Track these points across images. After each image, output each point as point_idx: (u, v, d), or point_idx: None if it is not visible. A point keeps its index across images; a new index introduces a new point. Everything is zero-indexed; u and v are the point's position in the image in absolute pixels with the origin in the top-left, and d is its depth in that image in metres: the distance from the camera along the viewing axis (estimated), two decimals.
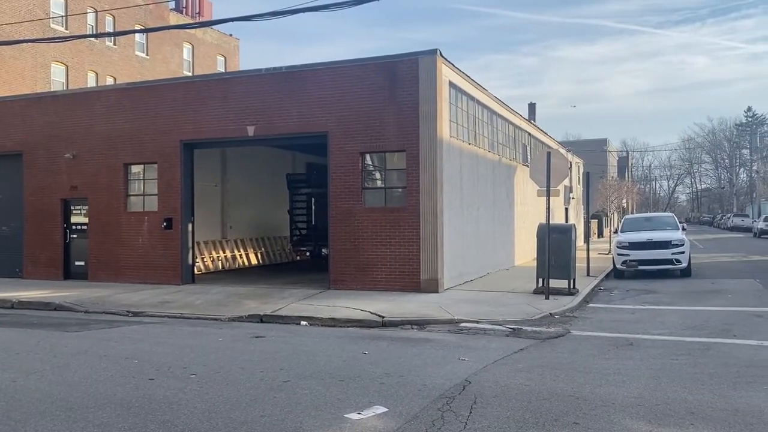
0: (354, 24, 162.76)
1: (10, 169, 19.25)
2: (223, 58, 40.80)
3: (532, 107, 48.64)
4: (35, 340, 9.39)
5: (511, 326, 10.91)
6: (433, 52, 14.75)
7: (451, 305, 12.82)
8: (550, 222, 14.47)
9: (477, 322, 11.25)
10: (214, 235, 21.99)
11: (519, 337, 10.06)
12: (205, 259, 20.97)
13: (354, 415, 5.63)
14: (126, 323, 11.46)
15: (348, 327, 11.23)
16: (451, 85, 15.81)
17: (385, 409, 5.80)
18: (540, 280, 14.48)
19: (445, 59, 15.17)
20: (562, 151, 20.57)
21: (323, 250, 21.35)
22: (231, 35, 41.87)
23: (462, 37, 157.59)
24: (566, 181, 33.63)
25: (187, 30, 37.14)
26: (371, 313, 12.01)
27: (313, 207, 21.80)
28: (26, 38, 16.37)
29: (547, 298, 13.64)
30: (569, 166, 14.38)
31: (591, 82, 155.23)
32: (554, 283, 14.22)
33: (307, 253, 22.82)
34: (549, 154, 14.15)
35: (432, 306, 12.71)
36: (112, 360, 7.98)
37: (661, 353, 8.54)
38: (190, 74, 36.10)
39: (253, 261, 23.78)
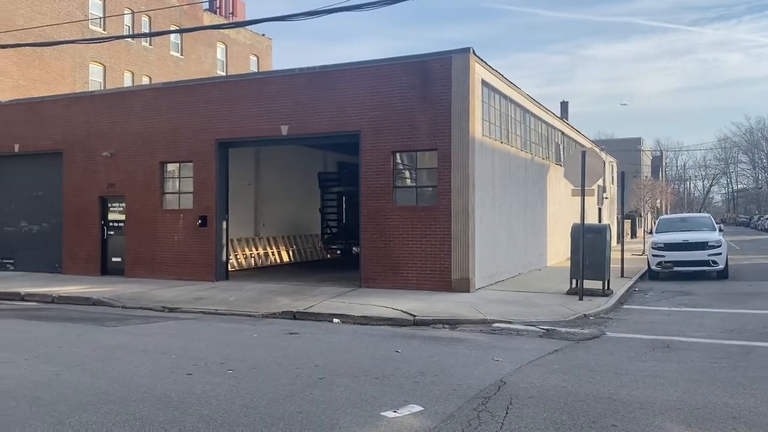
0: (382, 23, 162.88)
1: (50, 167, 19.74)
2: (255, 58, 41.21)
3: (564, 105, 48.08)
4: (76, 334, 9.62)
5: (545, 327, 10.83)
6: (466, 51, 14.69)
7: (483, 305, 12.77)
8: (585, 222, 14.27)
9: (510, 322, 11.19)
10: (247, 232, 22.25)
11: (553, 338, 9.96)
12: (238, 256, 21.22)
13: (390, 413, 5.66)
14: (162, 319, 11.67)
15: (380, 325, 11.27)
16: (484, 83, 15.73)
17: (421, 408, 5.81)
18: (574, 280, 14.32)
19: (478, 57, 15.10)
20: (597, 150, 20.28)
21: (354, 248, 21.46)
22: (263, 35, 42.27)
23: (491, 36, 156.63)
24: (600, 181, 33.24)
25: (221, 30, 37.61)
26: (403, 311, 12.03)
27: (344, 205, 21.91)
28: (66, 39, 16.72)
29: (581, 299, 13.49)
30: (604, 165, 14.18)
31: (622, 80, 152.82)
32: (588, 283, 14.05)
33: (338, 252, 22.94)
34: (584, 153, 13.99)
35: (464, 306, 12.67)
36: (150, 355, 8.13)
37: (700, 356, 8.38)
38: (223, 74, 36.56)
39: (285, 258, 23.99)
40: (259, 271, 20.91)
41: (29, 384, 6.64)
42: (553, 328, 10.71)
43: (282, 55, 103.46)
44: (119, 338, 9.37)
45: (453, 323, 11.26)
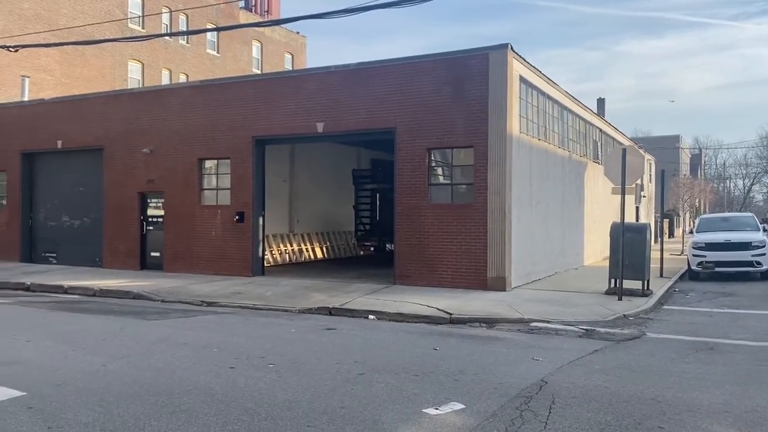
0: (415, 20, 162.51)
1: (91, 163, 20.18)
2: (290, 56, 41.52)
3: (600, 102, 47.34)
4: (119, 327, 9.83)
5: (584, 327, 10.69)
6: (503, 47, 14.57)
7: (520, 304, 12.67)
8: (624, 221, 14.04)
9: (548, 321, 11.07)
10: (282, 228, 22.46)
11: (592, 338, 9.84)
12: (273, 252, 21.43)
13: (431, 410, 5.65)
14: (201, 313, 11.85)
15: (415, 323, 11.26)
16: (522, 79, 15.58)
17: (463, 406, 5.80)
18: (612, 280, 14.11)
19: (516, 53, 14.95)
20: (637, 148, 19.90)
21: (387, 245, 21.48)
22: (298, 33, 42.56)
23: (523, 32, 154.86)
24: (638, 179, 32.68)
25: (256, 28, 37.98)
26: (438, 309, 12.00)
27: (378, 202, 21.94)
28: (107, 38, 17.16)
29: (620, 299, 13.29)
30: (644, 163, 13.94)
31: (659, 77, 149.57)
32: (627, 283, 13.82)
33: (371, 248, 22.98)
34: (624, 150, 13.75)
35: (500, 304, 12.59)
36: (192, 348, 8.27)
37: (745, 359, 8.19)
38: (258, 72, 36.90)
39: (319, 255, 24.15)
40: (294, 267, 21.09)
41: (77, 374, 6.81)
42: (592, 328, 10.57)
43: (316, 53, 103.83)
44: (161, 331, 9.55)
45: (490, 322, 11.20)
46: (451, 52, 15.25)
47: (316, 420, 5.37)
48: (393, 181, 16.07)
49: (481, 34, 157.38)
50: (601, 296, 13.90)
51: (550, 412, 5.65)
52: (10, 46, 14.86)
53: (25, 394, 6.05)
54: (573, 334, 10.18)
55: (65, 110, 20.93)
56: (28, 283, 16.09)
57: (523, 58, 15.54)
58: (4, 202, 22.10)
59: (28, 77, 25.93)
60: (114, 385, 6.38)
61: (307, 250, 23.67)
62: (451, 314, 11.55)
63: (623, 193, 13.72)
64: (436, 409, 5.70)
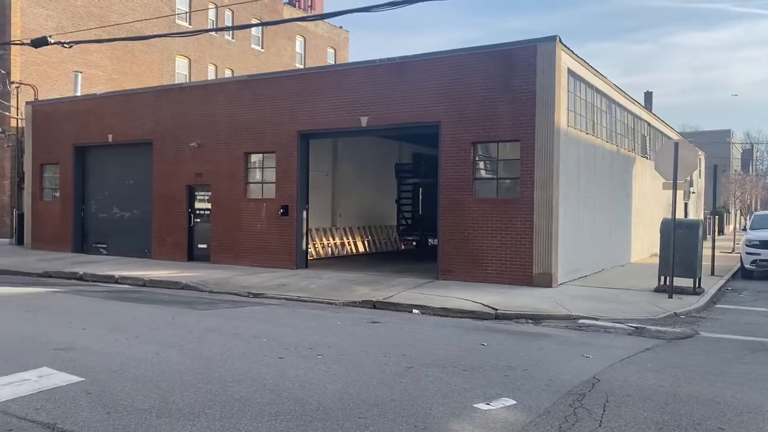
0: (457, 13, 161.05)
1: (141, 156, 20.66)
2: (333, 51, 41.70)
3: (648, 96, 46.20)
4: (170, 317, 10.04)
5: (634, 325, 10.46)
6: (552, 39, 14.32)
7: (567, 301, 12.47)
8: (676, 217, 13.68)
9: (596, 319, 10.87)
10: (325, 222, 22.60)
11: (643, 336, 9.62)
12: (316, 246, 21.59)
13: (482, 406, 5.60)
14: (248, 304, 12.01)
15: (460, 318, 11.19)
16: (570, 72, 15.29)
17: (514, 402, 5.73)
18: (662, 277, 13.76)
19: (564, 46, 14.68)
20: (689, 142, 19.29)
21: (430, 240, 21.43)
22: (341, 27, 42.69)
23: (568, 25, 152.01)
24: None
25: (300, 23, 38.24)
26: (483, 305, 11.90)
27: (421, 197, 21.88)
28: (156, 33, 17.58)
29: (670, 296, 12.96)
30: (697, 158, 13.52)
31: (708, 69, 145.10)
32: (678, 281, 13.48)
33: (414, 243, 22.94)
34: (677, 144, 13.37)
35: (547, 301, 12.41)
36: (241, 338, 8.38)
37: None
38: (301, 66, 37.17)
39: (361, 249, 24.23)
40: (336, 260, 21.21)
41: (132, 361, 6.98)
42: (643, 326, 10.33)
43: (358, 48, 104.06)
44: (211, 321, 9.71)
45: (536, 318, 11.05)
46: (498, 45, 15.07)
47: (367, 412, 5.38)
48: (436, 176, 16.00)
49: (524, 28, 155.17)
50: (651, 294, 13.59)
51: (604, 410, 5.53)
52: (65, 43, 15.25)
53: (83, 379, 6.22)
54: (622, 332, 9.97)
55: (116, 105, 21.45)
56: (81, 273, 16.58)
57: (572, 50, 15.25)
58: (58, 194, 22.81)
59: (80, 73, 26.68)
60: (168, 373, 6.51)
61: (349, 244, 23.78)
62: (496, 310, 11.45)
63: (675, 189, 13.35)
64: (487, 404, 5.65)
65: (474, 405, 5.62)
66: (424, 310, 11.80)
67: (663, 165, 13.54)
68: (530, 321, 10.94)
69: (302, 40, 39.28)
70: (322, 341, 8.28)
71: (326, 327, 9.47)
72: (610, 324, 10.51)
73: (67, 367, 6.67)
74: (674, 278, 13.29)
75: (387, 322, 10.21)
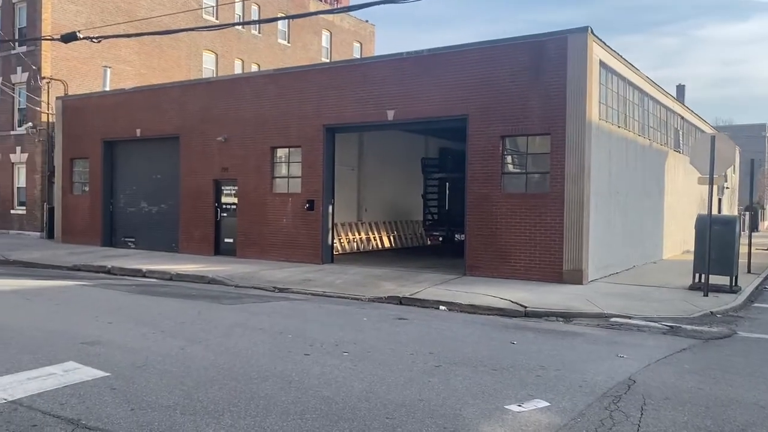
0: (483, 7, 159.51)
1: (168, 151, 20.76)
2: (359, 45, 41.54)
3: (680, 89, 45.21)
4: (196, 311, 10.00)
5: (668, 323, 10.15)
6: (583, 30, 13.97)
7: (598, 298, 12.17)
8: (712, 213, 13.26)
9: (629, 317, 10.57)
10: (350, 217, 22.50)
11: (678, 335, 9.32)
12: (341, 241, 21.50)
13: (514, 407, 5.41)
14: (274, 299, 11.94)
15: (488, 315, 10.99)
16: (602, 64, 14.91)
17: (547, 404, 5.52)
18: (697, 275, 13.37)
19: (596, 37, 14.32)
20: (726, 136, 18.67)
21: (456, 235, 21.18)
22: (367, 21, 42.50)
23: (595, 18, 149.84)
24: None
25: (326, 17, 38.13)
26: (512, 302, 11.67)
27: (447, 192, 21.63)
28: (183, 27, 17.57)
29: (705, 295, 12.57)
30: (734, 151, 13.09)
31: (740, 63, 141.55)
32: (713, 279, 13.08)
33: (440, 238, 22.70)
34: (713, 138, 12.95)
35: (577, 298, 12.13)
36: (267, 333, 8.29)
37: None
38: (327, 60, 37.08)
39: (386, 244, 24.09)
40: (362, 255, 21.09)
41: (158, 356, 6.92)
42: (678, 325, 10.01)
43: (383, 42, 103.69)
44: (236, 316, 9.65)
45: (567, 316, 10.79)
46: (528, 36, 14.75)
47: (395, 412, 5.22)
48: (463, 170, 15.76)
49: (551, 21, 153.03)
50: (685, 292, 13.21)
51: (642, 414, 5.30)
52: (93, 38, 15.34)
53: (108, 374, 6.18)
54: (656, 331, 9.68)
55: (144, 99, 21.59)
56: (109, 267, 16.71)
57: (603, 42, 14.87)
58: (87, 188, 23.06)
59: (109, 68, 26.93)
60: (193, 369, 6.44)
61: (375, 239, 23.65)
62: (526, 307, 11.21)
63: (711, 184, 12.94)
64: (519, 405, 5.45)
65: (505, 406, 5.43)
66: (451, 306, 11.61)
67: (699, 159, 13.13)
68: (561, 319, 10.69)
69: (328, 34, 39.18)
70: (348, 338, 8.15)
71: (352, 323, 9.34)
72: (643, 323, 10.22)
73: (93, 361, 6.64)
74: (710, 276, 12.90)
75: (414, 318, 10.04)
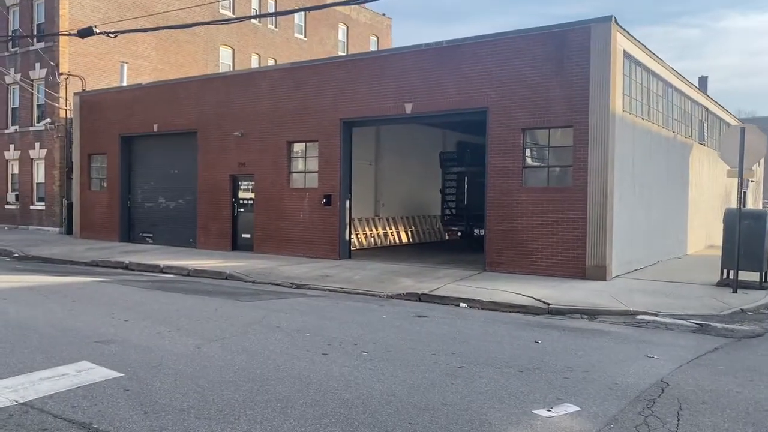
0: (494, 1, 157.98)
1: (185, 146, 20.67)
2: (375, 38, 41.23)
3: (702, 81, 44.33)
4: (213, 308, 9.84)
5: (697, 321, 9.81)
6: (607, 20, 13.58)
7: (623, 295, 11.84)
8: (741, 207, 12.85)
9: (656, 315, 10.25)
10: (367, 212, 22.28)
11: (708, 334, 9.00)
12: (358, 236, 21.30)
13: (543, 412, 5.15)
14: (292, 295, 11.76)
15: (510, 312, 10.72)
16: (626, 55, 14.51)
17: (577, 408, 5.26)
18: (725, 271, 12.97)
19: (620, 27, 13.92)
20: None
21: (475, 230, 20.85)
22: (383, 14, 42.17)
23: (613, 9, 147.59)
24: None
25: (343, 11, 37.87)
26: (534, 299, 11.39)
27: (466, 186, 21.29)
28: (200, 21, 17.50)
29: (734, 291, 12.18)
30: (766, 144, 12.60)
31: (763, 54, 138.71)
32: (742, 275, 12.67)
33: (458, 233, 22.38)
34: (743, 129, 12.52)
35: (601, 295, 11.81)
36: (284, 332, 8.10)
37: None
38: (344, 54, 36.83)
39: (404, 239, 23.85)
40: (379, 250, 20.88)
41: (173, 356, 6.76)
42: (707, 323, 9.67)
43: (399, 36, 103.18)
44: (254, 313, 9.47)
45: (591, 313, 10.49)
46: (549, 27, 14.39)
47: (418, 417, 5.00)
48: (482, 164, 15.46)
49: (568, 13, 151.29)
50: (712, 288, 12.82)
51: (679, 420, 5.02)
52: (109, 32, 15.24)
53: (122, 375, 6.02)
54: (685, 329, 9.36)
55: (161, 94, 21.51)
56: (127, 262, 16.66)
57: (627, 32, 14.47)
58: (105, 184, 23.08)
59: (126, 63, 26.94)
60: (208, 369, 6.26)
61: (392, 234, 23.42)
62: (548, 304, 10.92)
63: (741, 177, 12.53)
64: (548, 410, 5.20)
65: (534, 411, 5.17)
66: (472, 303, 11.35)
67: (728, 151, 12.71)
68: (585, 316, 10.40)
69: (345, 28, 38.92)
70: (367, 336, 7.93)
71: (371, 321, 9.12)
72: (671, 320, 9.89)
73: (107, 361, 6.49)
74: (739, 271, 12.50)
75: (434, 316, 9.80)
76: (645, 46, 15.75)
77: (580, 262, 13.77)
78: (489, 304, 11.21)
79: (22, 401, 5.26)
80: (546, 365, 6.66)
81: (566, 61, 13.91)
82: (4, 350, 6.88)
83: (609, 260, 13.66)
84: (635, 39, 15.01)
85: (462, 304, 11.31)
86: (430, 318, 9.61)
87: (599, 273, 13.54)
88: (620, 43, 14.03)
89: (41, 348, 7.02)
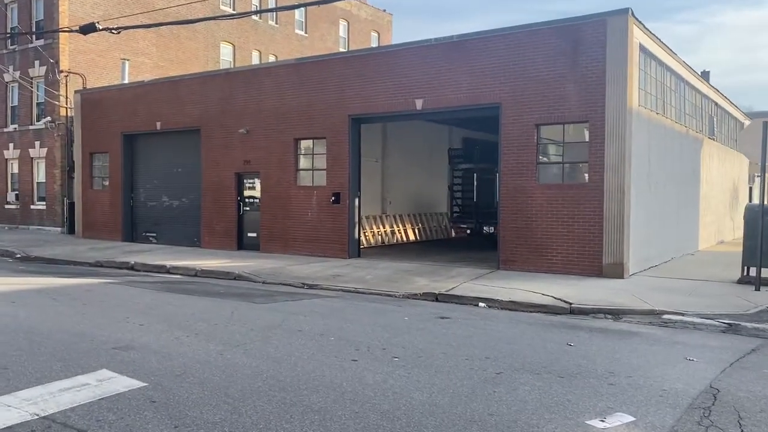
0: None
1: (189, 144, 20.34)
2: (376, 34, 40.88)
3: (705, 75, 44.03)
4: (229, 311, 9.54)
5: (725, 321, 9.55)
6: (623, 12, 13.31)
7: (644, 293, 11.59)
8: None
9: (682, 314, 9.99)
10: (375, 210, 21.99)
11: (739, 334, 8.77)
12: (366, 234, 21.00)
13: (597, 423, 4.88)
14: (306, 296, 11.47)
15: (531, 312, 10.47)
16: (641, 48, 14.25)
17: (632, 418, 4.98)
18: (746, 268, 12.73)
19: (637, 19, 13.65)
20: None
21: (485, 227, 20.61)
22: (384, 10, 41.82)
23: (607, 6, 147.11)
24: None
25: (344, 7, 37.52)
26: (555, 298, 11.13)
27: (476, 183, 21.01)
28: (201, 17, 17.18)
29: (757, 289, 11.94)
30: None
31: (757, 49, 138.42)
32: (764, 272, 12.43)
33: (468, 231, 22.11)
34: (765, 123, 12.27)
35: (622, 293, 11.56)
36: (308, 336, 7.81)
37: None
38: (351, 50, 36.47)
39: (411, 237, 23.57)
40: (388, 249, 20.60)
41: (196, 363, 6.46)
42: (736, 322, 9.40)
43: (400, 33, 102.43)
44: (271, 316, 9.18)
45: (615, 313, 10.24)
46: (563, 20, 14.12)
47: (466, 429, 4.72)
48: (492, 161, 15.22)
49: (570, 10, 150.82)
50: (734, 286, 12.59)
51: (741, 430, 4.75)
52: (112, 28, 14.91)
53: (146, 384, 5.72)
54: (714, 329, 9.12)
55: (163, 91, 21.16)
56: (132, 263, 16.34)
57: (643, 24, 14.20)
58: (107, 183, 22.74)
59: (127, 60, 26.56)
60: (236, 378, 5.97)
61: (399, 232, 23.14)
62: (570, 304, 10.66)
63: (764, 172, 12.26)
64: (602, 420, 4.92)
65: (586, 422, 4.90)
66: (491, 303, 11.09)
67: (749, 145, 12.47)
68: (609, 316, 10.14)
69: (345, 24, 38.56)
70: (393, 340, 7.65)
71: (394, 323, 8.84)
72: (698, 320, 9.64)
73: (128, 369, 6.19)
74: (761, 269, 12.25)
75: (456, 317, 9.53)
76: (659, 39, 15.48)
77: (596, 259, 13.52)
78: (508, 304, 10.95)
79: (43, 415, 4.96)
80: (585, 370, 6.39)
81: (581, 55, 13.64)
82: (20, 358, 6.58)
83: (627, 258, 13.41)
84: (650, 32, 14.74)
85: (481, 304, 11.05)
86: (453, 319, 9.33)
87: (616, 271, 13.29)
88: (636, 36, 13.77)
89: (57, 355, 6.72)
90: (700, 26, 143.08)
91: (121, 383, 5.75)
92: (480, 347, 7.35)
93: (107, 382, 5.77)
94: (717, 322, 9.52)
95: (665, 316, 9.94)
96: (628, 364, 6.67)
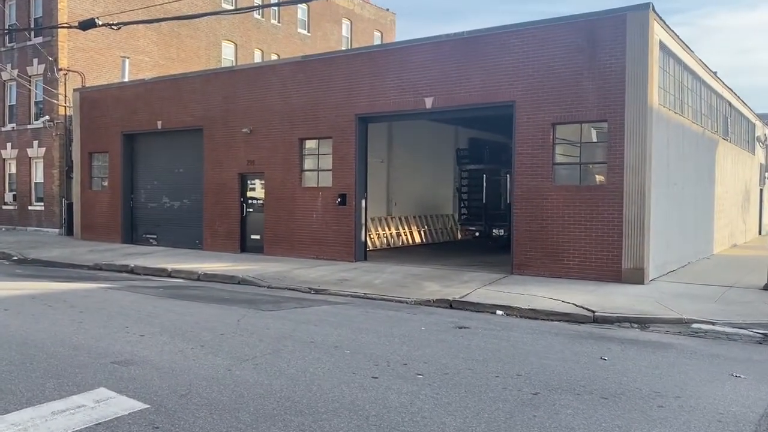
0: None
1: (190, 144, 19.80)
2: (379, 34, 40.36)
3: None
4: (235, 319, 8.99)
5: (759, 331, 9.05)
6: (644, 7, 12.78)
7: (669, 300, 11.06)
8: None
9: (712, 323, 9.47)
10: (380, 211, 21.46)
11: None
12: (371, 236, 20.47)
13: None
14: (314, 302, 10.93)
15: (552, 321, 9.94)
16: (661, 45, 13.73)
17: None
18: None
19: (658, 15, 13.14)
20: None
21: (494, 230, 20.07)
22: (387, 9, 41.30)
23: (600, 6, 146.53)
24: (762, 158, 29.54)
25: (346, 6, 37.00)
26: (576, 305, 10.60)
27: (485, 184, 20.45)
28: (201, 12, 16.79)
29: None
30: None
31: (752, 51, 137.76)
32: None
33: (476, 233, 21.55)
34: None
35: (645, 300, 11.02)
36: (321, 349, 7.26)
37: None
38: (357, 47, 35.95)
39: (417, 239, 23.04)
40: (394, 251, 20.07)
41: (202, 381, 5.92)
42: None
43: (404, 32, 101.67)
44: (280, 325, 8.63)
45: (642, 322, 9.71)
46: (581, 15, 13.61)
47: None
48: (501, 162, 14.69)
49: (570, 10, 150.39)
50: (761, 292, 12.08)
51: None
52: (112, 24, 14.40)
53: (148, 406, 5.18)
54: (749, 340, 8.61)
55: (165, 90, 20.62)
56: (132, 266, 15.80)
57: (664, 21, 13.68)
58: (106, 183, 22.20)
59: (127, 58, 26.01)
60: (246, 398, 5.43)
61: (405, 234, 22.61)
62: (594, 312, 10.12)
63: None
64: None
65: None
66: (510, 311, 10.55)
67: None
68: (636, 325, 9.61)
69: (348, 23, 38.04)
70: (414, 354, 7.10)
71: (411, 334, 8.30)
72: (731, 329, 9.13)
73: (128, 388, 5.65)
74: None
75: (476, 327, 8.99)
76: (679, 37, 14.97)
77: (615, 264, 12.99)
78: (528, 312, 10.42)
79: None
80: (628, 389, 5.86)
81: (599, 52, 13.12)
82: (10, 374, 6.04)
83: (647, 263, 12.89)
84: (670, 29, 14.23)
85: (498, 312, 10.52)
86: (473, 329, 8.79)
87: (637, 276, 12.76)
88: (657, 32, 13.25)
89: (51, 371, 6.18)
90: (695, 28, 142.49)
91: (121, 405, 5.21)
92: (509, 362, 6.81)
93: (105, 404, 5.24)
94: (750, 332, 9.01)
95: (695, 325, 9.42)
96: (672, 382, 6.14)
